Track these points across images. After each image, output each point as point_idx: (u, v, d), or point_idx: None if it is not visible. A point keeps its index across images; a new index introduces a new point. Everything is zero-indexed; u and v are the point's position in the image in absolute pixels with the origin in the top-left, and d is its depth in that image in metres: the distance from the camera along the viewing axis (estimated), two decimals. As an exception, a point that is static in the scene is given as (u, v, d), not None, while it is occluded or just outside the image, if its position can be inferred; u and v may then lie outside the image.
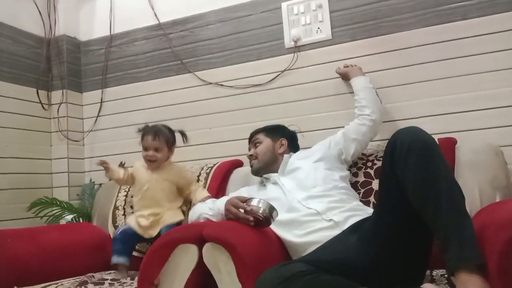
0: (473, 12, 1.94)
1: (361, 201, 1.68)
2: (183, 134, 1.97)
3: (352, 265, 1.23)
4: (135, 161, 2.03)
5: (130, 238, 1.84)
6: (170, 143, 1.93)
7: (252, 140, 1.88)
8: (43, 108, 2.60)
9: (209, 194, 1.90)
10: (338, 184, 1.62)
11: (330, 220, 1.47)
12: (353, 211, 1.50)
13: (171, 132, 1.96)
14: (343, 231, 1.43)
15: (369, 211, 1.53)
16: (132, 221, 1.89)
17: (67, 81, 2.64)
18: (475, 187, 1.61)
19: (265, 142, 1.83)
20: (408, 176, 1.17)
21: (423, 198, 1.14)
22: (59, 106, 2.61)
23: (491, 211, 1.41)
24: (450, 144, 1.73)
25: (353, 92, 1.98)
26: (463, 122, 1.91)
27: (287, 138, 1.86)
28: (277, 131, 1.88)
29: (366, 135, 1.80)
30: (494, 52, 1.90)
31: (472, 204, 1.57)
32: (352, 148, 1.77)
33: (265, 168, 1.79)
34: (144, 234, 1.85)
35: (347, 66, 2.06)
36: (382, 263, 1.23)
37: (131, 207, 2.08)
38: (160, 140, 1.89)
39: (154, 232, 1.84)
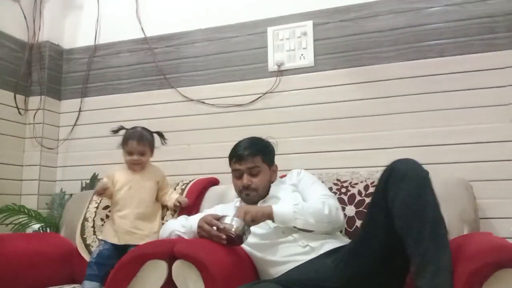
0: (450, 50, 2.03)
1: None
2: (161, 135, 1.99)
3: (325, 286, 1.23)
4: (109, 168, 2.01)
5: (106, 262, 1.74)
6: (152, 146, 1.96)
7: (249, 166, 1.66)
8: (19, 113, 2.55)
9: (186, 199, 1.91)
10: None
11: (306, 246, 1.48)
12: (329, 238, 1.51)
13: (151, 134, 1.98)
14: (319, 256, 1.44)
15: (343, 239, 1.54)
16: (107, 230, 1.86)
17: (46, 88, 2.61)
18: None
19: (264, 171, 1.68)
20: (397, 202, 1.20)
21: (408, 222, 1.17)
22: (35, 112, 2.57)
23: (458, 243, 1.44)
24: (422, 175, 1.77)
25: (334, 118, 2.02)
26: (435, 155, 1.96)
27: (275, 163, 1.78)
28: (270, 155, 1.75)
29: None
30: (467, 90, 1.98)
31: (441, 236, 1.60)
32: None
33: (260, 199, 1.67)
34: (119, 240, 1.79)
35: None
36: (356, 286, 1.24)
37: (101, 219, 2.04)
38: (144, 144, 1.91)
39: (131, 240, 1.78)
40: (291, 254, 1.47)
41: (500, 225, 1.83)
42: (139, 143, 1.90)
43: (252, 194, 1.67)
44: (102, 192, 1.87)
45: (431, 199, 1.20)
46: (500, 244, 1.14)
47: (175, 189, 2.02)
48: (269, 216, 1.49)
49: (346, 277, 1.27)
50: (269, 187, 1.72)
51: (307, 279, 1.27)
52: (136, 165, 1.91)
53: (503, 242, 1.18)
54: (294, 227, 1.50)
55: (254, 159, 1.67)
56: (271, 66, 2.29)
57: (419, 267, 1.12)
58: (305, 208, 1.50)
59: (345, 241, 1.53)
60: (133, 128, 1.95)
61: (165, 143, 1.99)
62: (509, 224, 1.81)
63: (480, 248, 1.17)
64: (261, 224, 1.53)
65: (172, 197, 1.92)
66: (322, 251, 1.45)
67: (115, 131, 1.95)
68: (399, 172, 1.22)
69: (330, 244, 1.47)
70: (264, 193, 1.69)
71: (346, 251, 1.35)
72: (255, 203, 1.67)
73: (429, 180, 1.24)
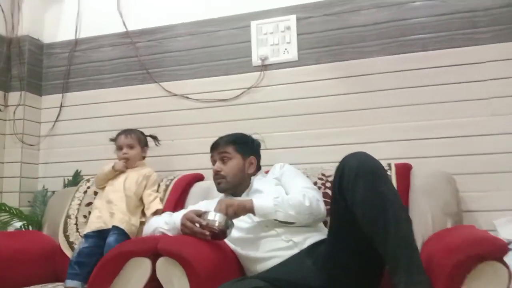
0: (432, 44, 2.04)
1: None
2: (154, 138, 2.10)
3: (307, 286, 1.24)
4: (100, 167, 2.02)
5: (87, 261, 1.72)
6: (142, 143, 2.04)
7: (220, 151, 1.73)
8: (-1, 109, 2.50)
9: (161, 208, 1.87)
10: None
11: (289, 240, 1.48)
12: (312, 232, 1.52)
13: (143, 134, 2.07)
14: (301, 251, 1.44)
15: (325, 231, 1.55)
16: (90, 221, 1.86)
17: (27, 83, 2.55)
18: (428, 212, 1.67)
19: (236, 159, 1.72)
20: (357, 203, 1.20)
21: (372, 225, 1.17)
22: (16, 108, 2.52)
23: (442, 236, 1.47)
24: (406, 169, 1.79)
25: (318, 113, 2.04)
26: (419, 149, 1.98)
27: (256, 156, 1.81)
28: (246, 146, 1.79)
29: None
30: (449, 84, 1.99)
31: (425, 229, 1.62)
32: None
33: (232, 189, 1.72)
34: (104, 223, 1.80)
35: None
36: (336, 286, 1.25)
37: (84, 216, 2.02)
38: (132, 137, 2.00)
39: (111, 223, 1.79)
40: (274, 249, 1.47)
41: (483, 218, 1.85)
42: (126, 136, 1.99)
43: (222, 182, 1.70)
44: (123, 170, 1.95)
45: (388, 194, 1.19)
46: (483, 237, 1.16)
47: (159, 185, 2.01)
48: (250, 209, 1.49)
49: (325, 279, 1.28)
50: (249, 179, 1.73)
51: (290, 278, 1.27)
52: (125, 159, 1.95)
53: (486, 234, 1.20)
54: (276, 220, 1.50)
55: (226, 147, 1.74)
56: (255, 60, 2.28)
57: (392, 266, 1.13)
58: (285, 201, 1.50)
59: (325, 232, 1.53)
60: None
61: (159, 144, 2.10)
62: (491, 217, 1.83)
63: (463, 241, 1.19)
64: (245, 218, 1.53)
65: (151, 206, 1.88)
66: (305, 246, 1.45)
67: (113, 139, 2.05)
68: (351, 170, 1.22)
69: (312, 239, 1.48)
70: (235, 182, 1.70)
71: (323, 252, 1.35)
72: (224, 190, 1.72)
73: (381, 172, 1.24)
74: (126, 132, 2.02)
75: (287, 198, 1.53)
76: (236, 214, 1.47)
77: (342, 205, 1.24)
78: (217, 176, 1.72)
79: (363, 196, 1.19)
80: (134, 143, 2.00)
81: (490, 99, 1.93)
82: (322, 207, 1.56)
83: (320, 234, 1.52)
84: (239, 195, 1.70)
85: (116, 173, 1.95)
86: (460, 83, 1.98)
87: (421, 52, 2.05)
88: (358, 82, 2.11)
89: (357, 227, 1.19)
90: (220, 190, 1.74)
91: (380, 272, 1.31)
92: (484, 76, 1.95)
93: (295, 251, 1.44)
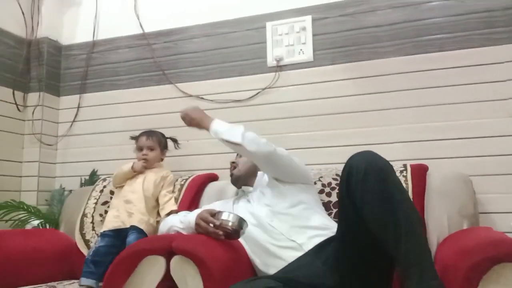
0: (449, 45, 2.02)
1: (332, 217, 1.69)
2: (174, 140, 2.12)
3: (319, 286, 1.24)
4: (116, 167, 2.03)
5: (103, 260, 1.73)
6: (162, 145, 2.07)
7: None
8: (18, 109, 2.55)
9: (176, 209, 1.88)
10: (302, 199, 1.62)
11: (293, 241, 1.48)
12: (317, 230, 1.51)
13: (164, 136, 2.10)
14: (308, 253, 1.43)
15: (334, 229, 1.54)
16: (107, 219, 1.87)
17: (45, 84, 2.60)
18: (443, 214, 1.65)
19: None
20: (366, 206, 1.16)
21: (382, 227, 1.14)
22: (34, 109, 2.57)
23: (457, 238, 1.45)
24: (422, 170, 1.77)
25: (333, 114, 2.04)
26: (435, 150, 1.96)
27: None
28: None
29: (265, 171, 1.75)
30: (466, 84, 1.97)
31: (440, 231, 1.61)
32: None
33: (244, 180, 1.79)
34: (122, 223, 1.82)
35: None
36: (348, 286, 1.24)
37: (100, 215, 2.04)
38: (153, 140, 2.02)
39: (129, 222, 1.80)
40: (280, 246, 1.49)
41: (500, 220, 1.82)
42: (147, 138, 2.01)
43: (235, 171, 1.81)
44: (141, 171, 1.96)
45: (398, 195, 1.16)
46: (499, 239, 1.14)
47: (174, 185, 2.02)
48: (206, 127, 1.65)
49: (336, 280, 1.26)
50: (255, 171, 1.80)
51: (302, 279, 1.27)
52: (145, 160, 1.97)
53: (502, 236, 1.18)
54: (223, 140, 1.58)
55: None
56: (270, 61, 2.28)
57: (404, 271, 1.10)
58: (253, 136, 1.56)
59: (333, 230, 1.47)
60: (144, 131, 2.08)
61: (179, 147, 2.13)
62: (509, 219, 1.80)
63: (479, 243, 1.17)
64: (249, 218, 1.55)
65: (166, 207, 1.89)
66: (310, 247, 1.44)
67: (134, 138, 2.07)
68: (359, 171, 1.18)
69: (318, 238, 1.46)
70: (246, 171, 1.78)
71: (332, 253, 1.33)
72: (236, 179, 1.80)
73: (390, 172, 1.20)
74: (148, 133, 2.03)
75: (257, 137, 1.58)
76: (191, 125, 1.69)
77: (351, 208, 1.21)
78: (232, 167, 1.82)
79: (372, 200, 1.15)
80: (155, 145, 2.01)
81: (509, 99, 1.90)
82: (297, 162, 1.66)
83: (327, 232, 1.49)
84: (251, 185, 1.78)
85: (134, 173, 1.97)
86: (477, 83, 1.95)
87: (437, 53, 2.03)
88: (374, 83, 2.10)
89: (366, 229, 1.17)
90: (233, 180, 1.82)
91: (391, 273, 1.30)
92: (503, 77, 1.92)
93: (301, 252, 1.44)
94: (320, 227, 1.53)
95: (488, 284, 1.07)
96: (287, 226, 1.52)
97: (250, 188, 1.78)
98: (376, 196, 1.15)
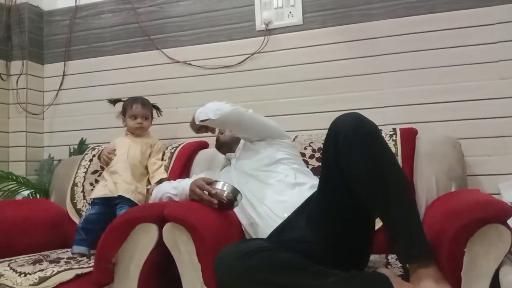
0: (440, 6, 1.98)
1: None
2: (157, 108, 2.08)
3: (306, 244, 1.24)
4: (104, 135, 2.08)
5: (93, 227, 1.75)
6: (152, 114, 2.05)
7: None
8: (1, 78, 2.48)
9: (166, 177, 1.88)
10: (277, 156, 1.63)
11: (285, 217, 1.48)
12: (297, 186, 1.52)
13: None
14: (293, 215, 1.42)
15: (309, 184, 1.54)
16: (96, 188, 1.88)
17: (28, 52, 2.53)
18: (432, 176, 1.67)
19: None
20: (354, 169, 1.14)
21: (370, 191, 1.13)
22: (18, 77, 2.50)
23: (445, 200, 1.47)
24: (411, 134, 1.78)
25: (324, 78, 2.04)
26: (425, 114, 1.96)
27: None
28: None
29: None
30: (457, 47, 1.95)
31: (429, 193, 1.63)
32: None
33: (228, 145, 1.84)
34: (110, 191, 1.81)
35: None
36: (329, 245, 1.23)
37: (91, 184, 2.04)
38: (147, 108, 2.01)
39: (116, 191, 1.80)
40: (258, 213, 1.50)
41: (488, 182, 1.86)
42: (143, 107, 1.98)
43: (220, 136, 1.89)
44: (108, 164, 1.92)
45: (387, 157, 1.16)
46: (486, 200, 1.16)
47: (163, 153, 2.01)
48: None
49: (319, 238, 1.25)
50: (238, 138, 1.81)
51: (290, 240, 1.28)
52: (139, 129, 1.96)
53: (489, 198, 1.19)
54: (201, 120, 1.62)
55: None
56: (259, 25, 2.23)
57: (393, 233, 1.11)
58: (212, 105, 1.62)
59: (312, 183, 1.51)
60: (133, 97, 2.03)
61: (161, 115, 2.10)
62: (496, 181, 1.83)
63: (466, 205, 1.19)
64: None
65: (156, 175, 1.89)
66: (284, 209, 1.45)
67: (112, 102, 2.04)
68: (346, 135, 1.15)
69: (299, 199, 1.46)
70: (232, 138, 1.83)
71: (314, 212, 1.32)
72: (222, 147, 1.88)
73: (378, 136, 1.18)
74: (142, 101, 1.99)
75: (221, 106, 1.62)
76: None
77: (336, 171, 1.19)
78: (218, 134, 1.88)
79: (360, 163, 1.14)
80: (148, 114, 2.00)
81: (499, 62, 1.89)
82: (266, 118, 1.70)
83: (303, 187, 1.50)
84: (234, 151, 1.81)
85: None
86: (468, 46, 1.94)
87: (428, 15, 1.99)
88: (364, 46, 2.07)
89: (348, 192, 1.16)
90: (217, 146, 1.90)
91: (371, 235, 1.30)
92: (494, 39, 1.91)
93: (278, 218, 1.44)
94: (300, 183, 1.53)
95: (475, 244, 1.09)
96: (278, 205, 1.49)
97: (233, 154, 1.79)
98: (364, 160, 1.14)
